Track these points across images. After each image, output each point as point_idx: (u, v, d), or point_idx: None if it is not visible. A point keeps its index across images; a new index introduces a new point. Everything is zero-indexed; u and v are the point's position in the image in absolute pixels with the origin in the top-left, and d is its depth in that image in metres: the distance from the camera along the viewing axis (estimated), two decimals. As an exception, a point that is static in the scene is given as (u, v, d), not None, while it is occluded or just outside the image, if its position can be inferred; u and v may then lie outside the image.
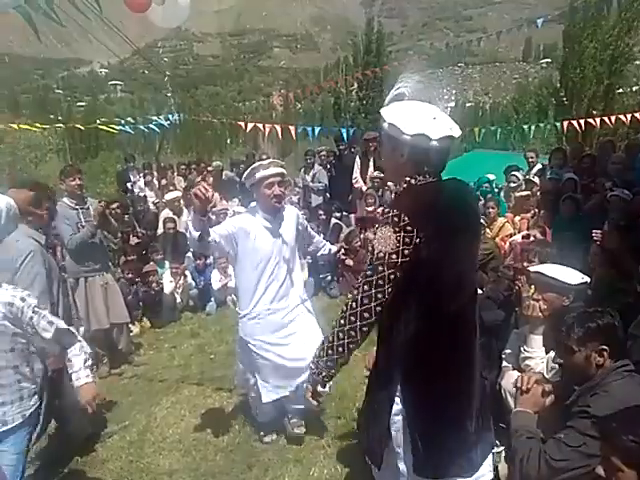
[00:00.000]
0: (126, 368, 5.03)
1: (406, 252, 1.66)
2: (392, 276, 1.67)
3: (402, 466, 1.89)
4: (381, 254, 1.67)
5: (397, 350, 1.82)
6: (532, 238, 4.96)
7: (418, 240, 1.65)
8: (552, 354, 2.59)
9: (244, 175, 3.16)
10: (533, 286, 2.84)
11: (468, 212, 1.89)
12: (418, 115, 1.73)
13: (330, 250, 3.61)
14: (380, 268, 1.67)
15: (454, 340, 1.81)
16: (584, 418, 1.96)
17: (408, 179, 1.79)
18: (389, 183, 6.72)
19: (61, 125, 7.21)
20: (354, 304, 1.72)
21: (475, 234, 1.94)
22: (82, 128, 7.62)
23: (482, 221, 5.05)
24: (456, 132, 1.74)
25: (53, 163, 22.86)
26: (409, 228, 1.65)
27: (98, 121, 7.92)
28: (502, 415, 2.86)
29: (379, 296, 1.69)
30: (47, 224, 3.62)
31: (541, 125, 9.41)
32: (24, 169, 21.58)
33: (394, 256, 1.66)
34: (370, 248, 1.75)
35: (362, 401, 2.16)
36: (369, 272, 1.70)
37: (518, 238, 5.30)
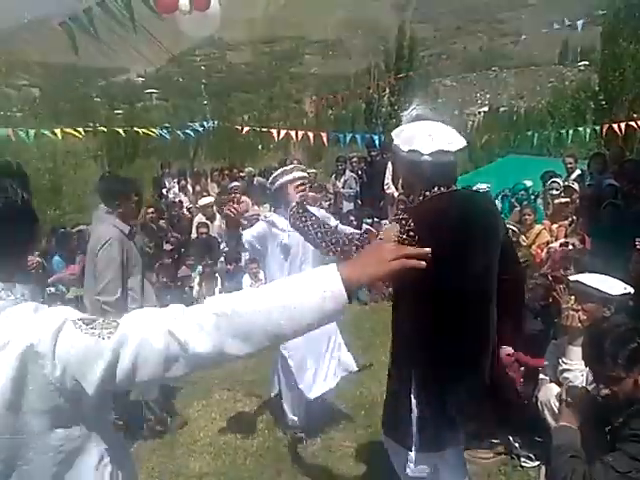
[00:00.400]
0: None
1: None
2: None
3: (411, 449, 2.02)
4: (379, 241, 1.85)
5: (408, 343, 2.03)
6: (570, 246, 4.82)
7: (409, 236, 1.82)
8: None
9: (270, 180, 3.27)
10: (573, 296, 2.74)
11: (477, 223, 1.98)
12: (414, 133, 1.90)
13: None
14: None
15: (456, 335, 1.95)
16: (636, 442, 1.86)
17: (423, 192, 1.94)
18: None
19: (103, 129, 7.34)
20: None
21: (485, 242, 2.01)
22: (123, 134, 7.77)
23: (500, 229, 5.02)
24: (455, 146, 1.88)
25: (91, 169, 23.53)
26: (412, 234, 1.81)
27: (136, 127, 8.11)
28: (539, 428, 2.78)
29: None
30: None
31: (580, 129, 9.14)
32: (64, 174, 22.26)
33: None
34: (374, 232, 2.04)
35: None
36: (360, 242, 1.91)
37: (556, 246, 5.16)
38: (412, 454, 2.01)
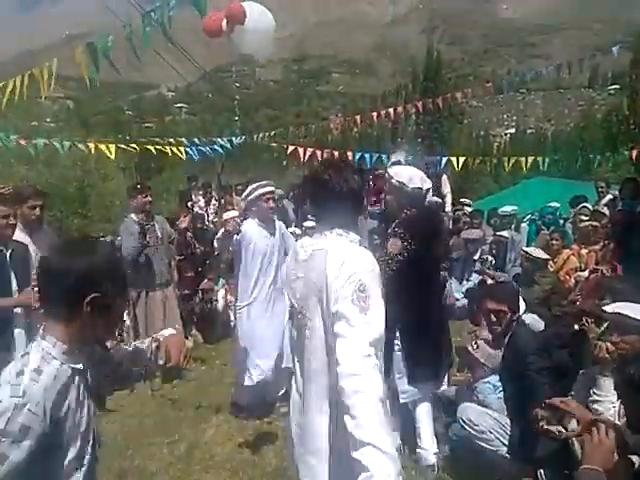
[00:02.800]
0: (177, 383, 5.11)
1: (404, 254, 2.95)
2: (395, 267, 2.92)
3: (402, 383, 3.10)
4: (392, 254, 2.93)
5: (396, 309, 2.76)
6: (599, 273, 4.69)
7: (408, 246, 2.94)
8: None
9: (247, 191, 3.93)
10: (607, 326, 2.64)
11: (435, 230, 3.27)
12: (411, 175, 3.05)
13: None
14: (390, 262, 2.90)
15: (429, 302, 3.15)
16: None
17: (406, 211, 3.06)
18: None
19: (134, 147, 7.35)
20: None
21: (438, 243, 3.35)
22: (153, 151, 7.79)
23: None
24: (426, 185, 3.08)
25: (120, 180, 24.00)
26: (406, 238, 2.94)
27: (166, 141, 8.21)
28: (568, 462, 2.67)
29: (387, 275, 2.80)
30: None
31: (609, 153, 8.96)
32: (93, 184, 22.71)
33: (399, 256, 2.94)
34: (385, 249, 2.99)
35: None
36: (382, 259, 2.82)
37: (585, 274, 5.02)
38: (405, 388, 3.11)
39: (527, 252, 5.41)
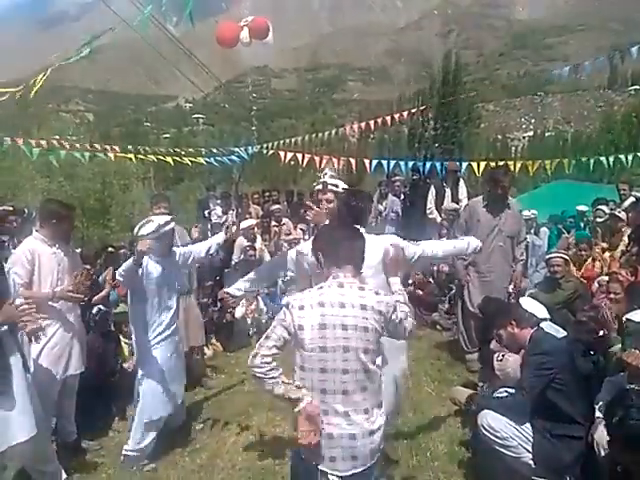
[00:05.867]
0: (198, 391, 5.13)
1: None
2: None
3: None
4: None
5: None
6: (621, 278, 4.57)
7: None
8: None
9: (155, 228, 3.81)
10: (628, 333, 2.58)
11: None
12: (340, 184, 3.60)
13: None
14: None
15: None
16: None
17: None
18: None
19: (152, 157, 7.37)
20: None
21: None
22: (172, 162, 7.82)
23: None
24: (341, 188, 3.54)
25: (139, 190, 24.34)
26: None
27: (183, 152, 8.30)
28: (595, 472, 2.62)
29: None
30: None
31: (630, 155, 8.72)
32: (113, 195, 23.11)
33: None
34: None
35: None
36: None
37: (607, 278, 4.91)
38: None
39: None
